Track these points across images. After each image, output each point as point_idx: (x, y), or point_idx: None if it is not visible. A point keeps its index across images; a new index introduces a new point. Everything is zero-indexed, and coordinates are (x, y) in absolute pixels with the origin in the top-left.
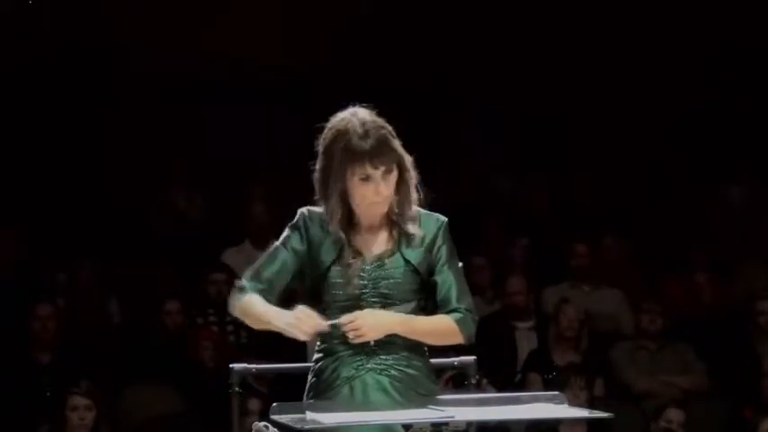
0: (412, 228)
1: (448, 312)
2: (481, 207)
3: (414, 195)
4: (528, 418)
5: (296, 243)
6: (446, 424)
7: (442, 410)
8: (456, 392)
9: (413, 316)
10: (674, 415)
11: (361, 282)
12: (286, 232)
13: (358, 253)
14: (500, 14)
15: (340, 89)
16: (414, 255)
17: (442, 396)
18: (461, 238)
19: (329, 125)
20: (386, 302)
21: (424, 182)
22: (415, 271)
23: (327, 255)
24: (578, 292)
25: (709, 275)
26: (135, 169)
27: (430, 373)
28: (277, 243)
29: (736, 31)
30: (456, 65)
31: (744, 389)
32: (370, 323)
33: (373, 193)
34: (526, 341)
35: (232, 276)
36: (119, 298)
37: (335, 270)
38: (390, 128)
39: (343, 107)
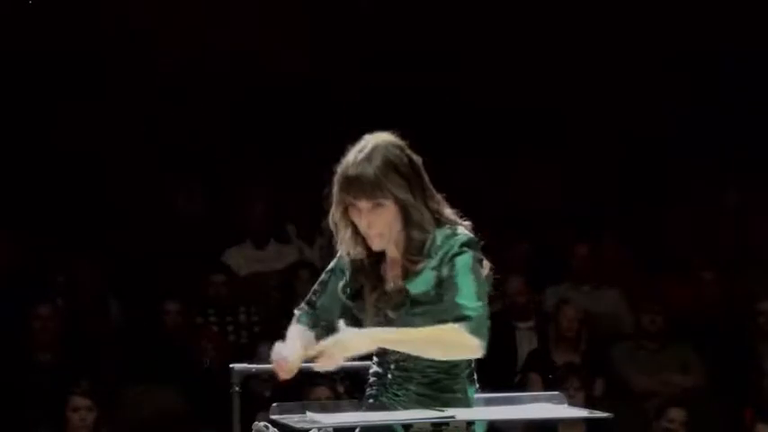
0: (423, 267)
1: (454, 320)
2: (481, 207)
3: (419, 234)
4: (528, 418)
5: (341, 266)
6: (446, 424)
7: (442, 410)
8: None
9: (404, 330)
10: (676, 414)
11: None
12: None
13: (373, 291)
14: (499, 14)
15: (339, 89)
16: (418, 286)
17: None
18: None
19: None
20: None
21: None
22: (430, 299)
23: (347, 293)
24: (578, 293)
25: (709, 275)
26: (135, 169)
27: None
28: (330, 265)
29: (736, 30)
30: (455, 64)
31: (744, 389)
32: (338, 348)
33: (364, 224)
34: (526, 341)
35: (232, 277)
36: (119, 298)
37: (354, 313)
38: (402, 162)
39: (341, 106)
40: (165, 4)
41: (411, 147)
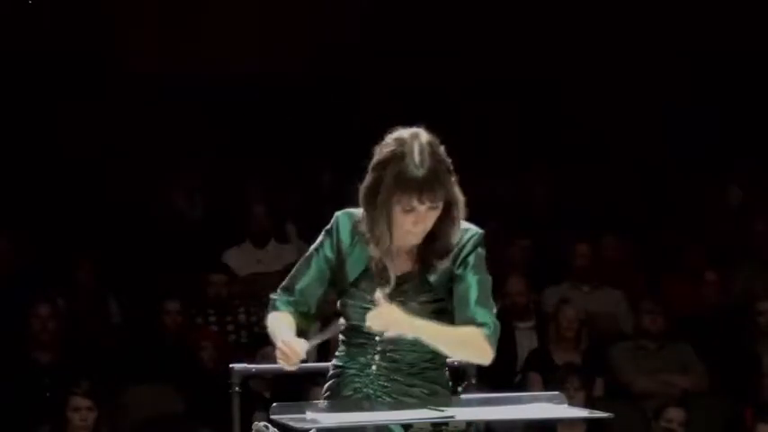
0: (445, 262)
1: (466, 320)
2: (481, 207)
3: (453, 237)
4: (528, 418)
5: (328, 250)
6: (446, 424)
7: (442, 410)
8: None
9: (438, 325)
10: (675, 414)
11: None
12: (320, 238)
13: (382, 281)
14: (499, 15)
15: (339, 88)
16: (435, 275)
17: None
18: None
19: (388, 141)
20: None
21: None
22: (435, 290)
23: (352, 271)
24: (578, 292)
25: (709, 275)
26: (135, 169)
27: (438, 398)
28: (311, 249)
29: (736, 31)
30: (455, 65)
31: (744, 389)
32: (391, 317)
33: (412, 223)
34: (526, 341)
35: (232, 277)
36: (119, 298)
37: (356, 293)
38: (449, 162)
39: (341, 108)
40: (167, 4)
41: None
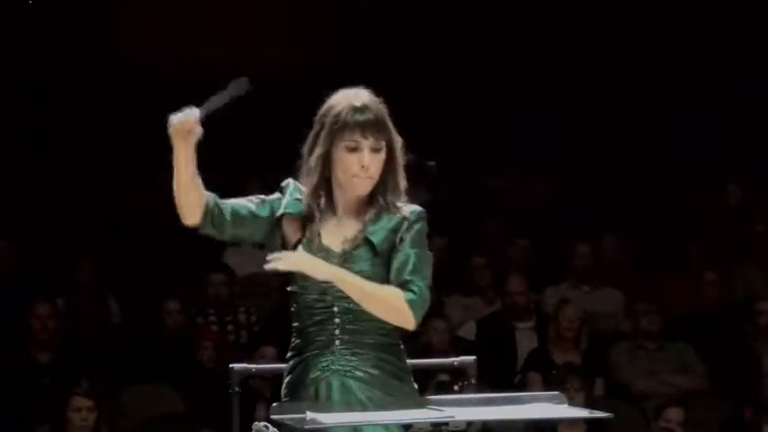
0: (390, 220)
1: (400, 287)
2: (481, 207)
3: (402, 183)
4: (528, 418)
5: (277, 203)
6: (446, 424)
7: (442, 410)
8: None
9: (358, 277)
10: (674, 414)
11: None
12: (273, 194)
13: (323, 243)
14: (498, 15)
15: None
16: (377, 235)
17: (444, 396)
18: (462, 238)
19: (329, 98)
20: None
21: (424, 181)
22: (382, 259)
23: (292, 235)
24: (578, 292)
25: (709, 275)
26: (135, 169)
27: (403, 373)
28: (262, 197)
29: (736, 30)
30: (455, 64)
31: (744, 389)
32: (302, 258)
33: (357, 163)
34: (526, 341)
35: (232, 277)
36: (119, 298)
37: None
38: (387, 112)
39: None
40: (167, 4)
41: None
